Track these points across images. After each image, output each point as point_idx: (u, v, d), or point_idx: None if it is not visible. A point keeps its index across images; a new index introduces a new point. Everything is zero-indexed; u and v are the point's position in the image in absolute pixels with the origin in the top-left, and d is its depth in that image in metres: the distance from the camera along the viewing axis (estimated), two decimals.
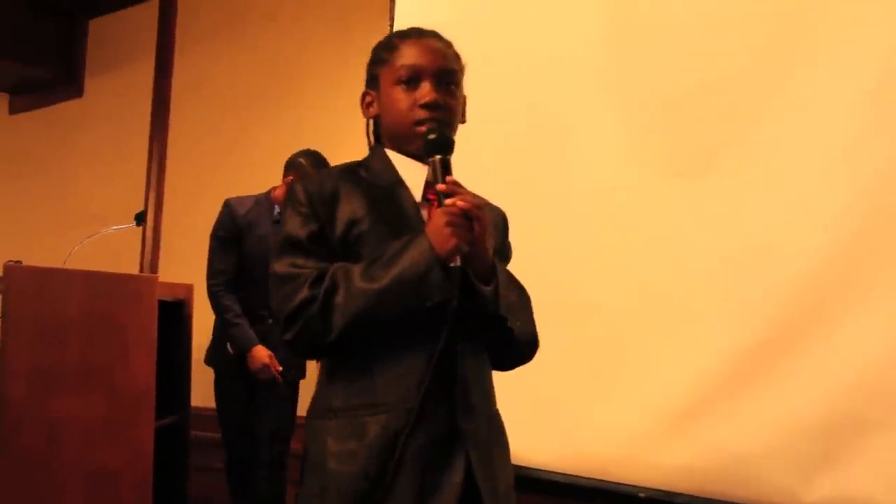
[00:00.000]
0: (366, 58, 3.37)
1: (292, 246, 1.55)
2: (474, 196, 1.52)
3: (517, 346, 1.61)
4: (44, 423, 3.27)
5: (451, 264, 1.44)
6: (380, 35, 3.24)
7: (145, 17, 5.66)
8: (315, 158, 3.85)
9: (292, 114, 4.88)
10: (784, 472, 2.19)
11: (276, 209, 3.91)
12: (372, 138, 1.71)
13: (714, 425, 2.32)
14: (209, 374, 4.86)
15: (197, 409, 4.31)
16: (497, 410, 1.65)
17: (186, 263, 5.15)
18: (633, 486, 2.42)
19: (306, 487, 1.55)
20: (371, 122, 1.72)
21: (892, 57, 2.17)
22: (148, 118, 5.51)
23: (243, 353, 3.88)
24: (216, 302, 3.96)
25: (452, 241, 1.44)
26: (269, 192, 4.00)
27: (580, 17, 2.71)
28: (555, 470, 2.58)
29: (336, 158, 3.82)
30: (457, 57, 1.69)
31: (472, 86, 2.87)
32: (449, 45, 1.69)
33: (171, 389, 3.94)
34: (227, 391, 4.01)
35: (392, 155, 1.64)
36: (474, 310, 1.50)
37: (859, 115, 2.20)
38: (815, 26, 2.29)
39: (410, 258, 1.46)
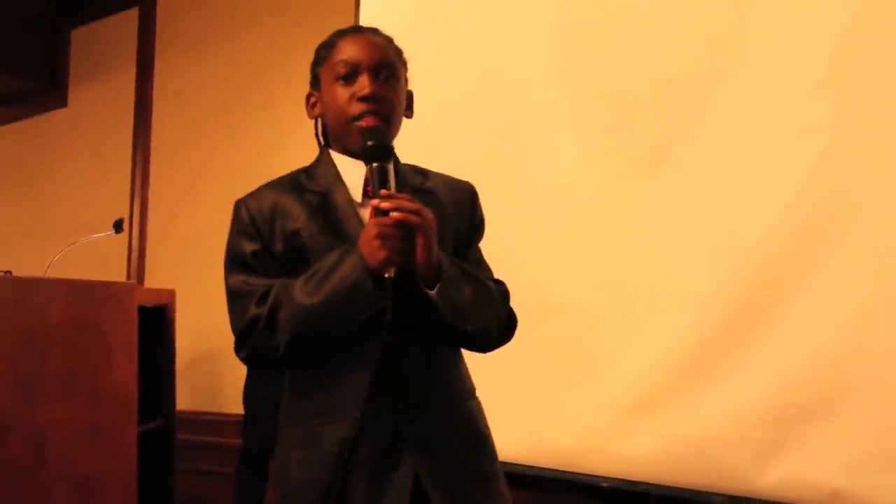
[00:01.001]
0: None
1: (238, 265, 1.57)
2: (412, 201, 1.48)
3: (476, 341, 1.61)
4: (29, 430, 3.31)
5: (385, 275, 1.44)
6: None
7: (126, 25, 5.70)
8: None
9: (272, 116, 4.92)
10: (738, 459, 2.24)
11: None
12: (321, 139, 1.72)
13: (671, 415, 2.36)
14: (194, 378, 4.93)
15: (183, 412, 4.36)
16: (469, 409, 1.63)
17: (172, 268, 5.22)
18: (597, 477, 2.46)
19: (276, 494, 1.61)
20: (318, 122, 1.71)
21: (832, 55, 2.21)
22: (131, 126, 5.57)
23: None
24: None
25: (382, 254, 1.43)
26: None
27: (537, 19, 2.75)
28: (521, 462, 2.63)
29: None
30: (397, 51, 1.69)
31: (432, 86, 2.94)
32: (389, 40, 1.69)
33: (156, 394, 3.99)
34: (259, 389, 4.01)
35: (335, 156, 1.65)
36: (422, 314, 1.50)
37: (801, 112, 2.24)
38: (760, 26, 2.33)
39: (342, 272, 1.46)
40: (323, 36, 4.62)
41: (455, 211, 1.67)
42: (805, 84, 2.25)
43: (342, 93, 1.61)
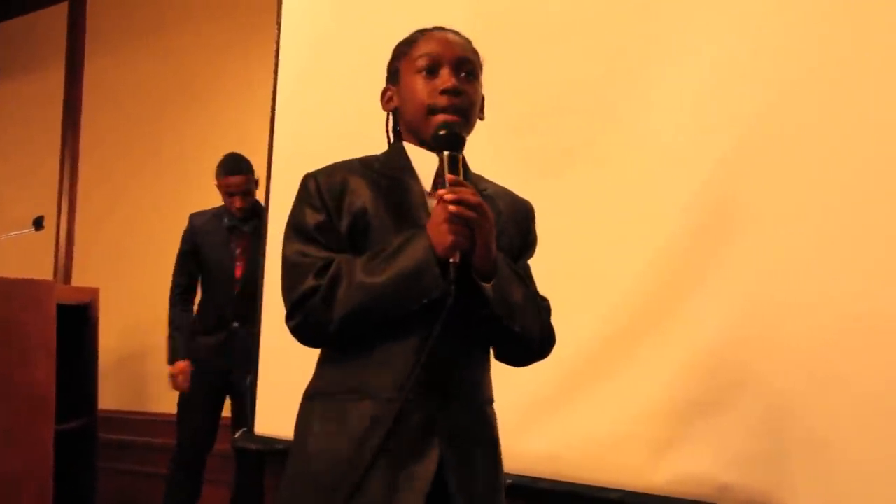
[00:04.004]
0: (270, 57, 3.45)
1: (300, 234, 1.58)
2: (474, 194, 1.49)
3: (520, 344, 1.61)
4: None
5: (451, 260, 1.45)
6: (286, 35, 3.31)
7: (56, 20, 5.65)
8: (222, 166, 3.95)
9: (203, 116, 4.92)
10: (635, 455, 2.28)
11: (226, 219, 3.96)
12: (391, 134, 1.73)
13: (571, 413, 2.39)
14: (120, 377, 4.90)
15: (108, 411, 4.34)
16: (490, 408, 1.66)
17: (100, 267, 5.18)
18: None
19: (289, 466, 1.59)
20: (390, 117, 1.73)
21: (731, 61, 2.27)
22: (60, 123, 5.52)
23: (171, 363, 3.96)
24: (169, 312, 4.03)
25: (449, 238, 1.44)
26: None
27: (453, 19, 2.77)
28: None
29: (250, 154, 3.90)
30: (475, 52, 1.71)
31: (351, 83, 2.96)
32: (468, 40, 1.72)
33: (78, 393, 3.96)
34: (189, 396, 3.99)
35: (409, 147, 1.66)
36: (472, 306, 1.50)
37: (699, 115, 2.30)
38: (662, 31, 2.39)
39: (409, 254, 1.48)
40: (252, 34, 4.64)
41: (512, 223, 1.69)
42: (703, 88, 2.31)
43: (423, 86, 1.62)
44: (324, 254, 1.55)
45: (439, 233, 1.46)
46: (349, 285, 1.49)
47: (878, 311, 2.00)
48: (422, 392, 1.50)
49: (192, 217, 4.07)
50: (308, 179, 1.63)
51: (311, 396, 1.61)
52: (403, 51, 1.70)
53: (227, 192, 3.92)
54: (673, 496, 2.23)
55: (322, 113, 3.17)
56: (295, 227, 1.60)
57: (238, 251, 3.95)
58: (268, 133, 3.40)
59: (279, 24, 3.39)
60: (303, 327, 1.54)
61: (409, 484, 1.48)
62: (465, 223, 1.45)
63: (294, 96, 3.32)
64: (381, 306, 1.50)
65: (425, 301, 1.47)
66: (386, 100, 1.72)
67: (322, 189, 1.60)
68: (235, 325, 3.86)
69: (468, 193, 1.47)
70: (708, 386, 2.21)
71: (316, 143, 3.03)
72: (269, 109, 3.38)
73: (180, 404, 3.98)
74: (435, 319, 1.44)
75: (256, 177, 3.93)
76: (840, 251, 2.07)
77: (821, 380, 2.06)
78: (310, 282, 1.51)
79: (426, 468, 1.49)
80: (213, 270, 3.97)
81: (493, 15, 2.71)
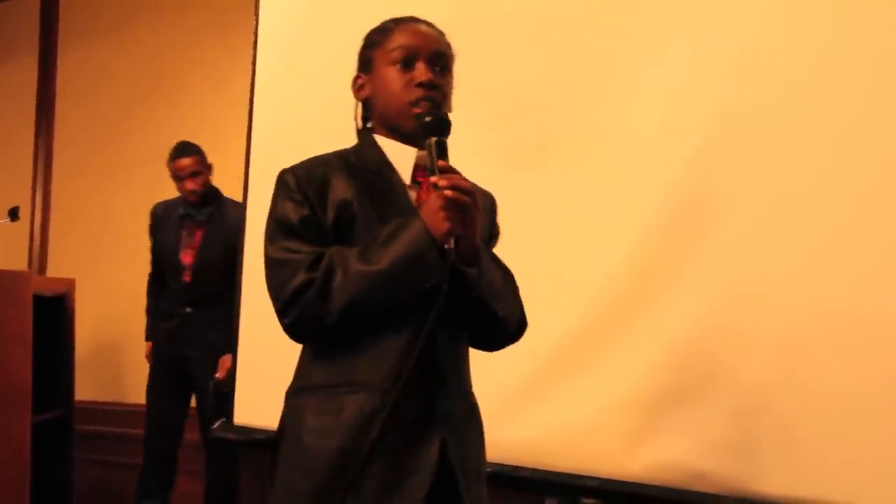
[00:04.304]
0: (248, 50, 3.43)
1: (285, 230, 1.56)
2: (466, 180, 1.50)
3: (501, 328, 1.64)
4: None
5: (446, 247, 1.46)
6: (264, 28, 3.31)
7: (28, 11, 5.59)
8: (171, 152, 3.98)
9: (179, 108, 4.89)
10: (612, 443, 2.32)
11: (181, 208, 3.96)
12: (360, 122, 1.72)
13: (551, 404, 2.43)
14: (96, 368, 4.89)
15: (84, 402, 4.32)
16: (473, 394, 1.69)
17: (75, 258, 5.16)
18: None
19: (282, 461, 1.57)
20: (360, 105, 1.72)
21: (703, 59, 2.31)
22: (33, 114, 5.47)
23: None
24: None
25: (447, 225, 1.45)
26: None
27: (428, 15, 2.79)
28: None
29: (226, 149, 3.89)
30: (448, 45, 1.71)
31: (326, 78, 2.95)
32: (441, 32, 1.72)
33: (55, 384, 3.95)
34: (152, 385, 4.01)
35: (381, 140, 1.66)
36: (458, 293, 1.50)
37: (674, 112, 2.33)
38: (636, 30, 2.42)
39: (408, 240, 1.47)
40: (228, 27, 4.63)
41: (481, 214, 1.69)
42: (679, 87, 2.33)
43: (398, 78, 1.62)
44: (310, 248, 1.53)
45: (436, 219, 1.46)
46: (345, 275, 1.48)
47: (848, 305, 2.04)
48: (417, 381, 1.50)
49: (154, 207, 4.11)
50: (286, 174, 1.61)
51: (300, 392, 1.60)
52: (377, 40, 1.69)
53: (178, 176, 3.94)
54: (649, 483, 2.26)
55: (301, 105, 3.18)
56: (278, 223, 1.58)
57: (188, 239, 3.95)
58: (244, 126, 3.40)
59: (257, 15, 3.38)
60: (299, 323, 1.52)
61: (414, 477, 1.48)
62: (460, 209, 1.46)
63: (272, 89, 3.32)
64: (379, 294, 1.49)
65: (426, 286, 1.47)
66: (357, 88, 1.72)
67: (303, 183, 1.58)
68: (188, 310, 3.87)
69: (460, 179, 1.48)
70: (683, 377, 2.25)
71: (295, 136, 3.04)
72: (247, 101, 3.38)
73: (146, 393, 4.01)
74: (427, 308, 1.44)
75: (210, 162, 3.94)
76: (812, 247, 2.11)
77: (791, 371, 2.11)
78: (302, 276, 1.49)
79: (428, 459, 1.50)
80: (165, 258, 4.00)
81: (469, 13, 2.72)
